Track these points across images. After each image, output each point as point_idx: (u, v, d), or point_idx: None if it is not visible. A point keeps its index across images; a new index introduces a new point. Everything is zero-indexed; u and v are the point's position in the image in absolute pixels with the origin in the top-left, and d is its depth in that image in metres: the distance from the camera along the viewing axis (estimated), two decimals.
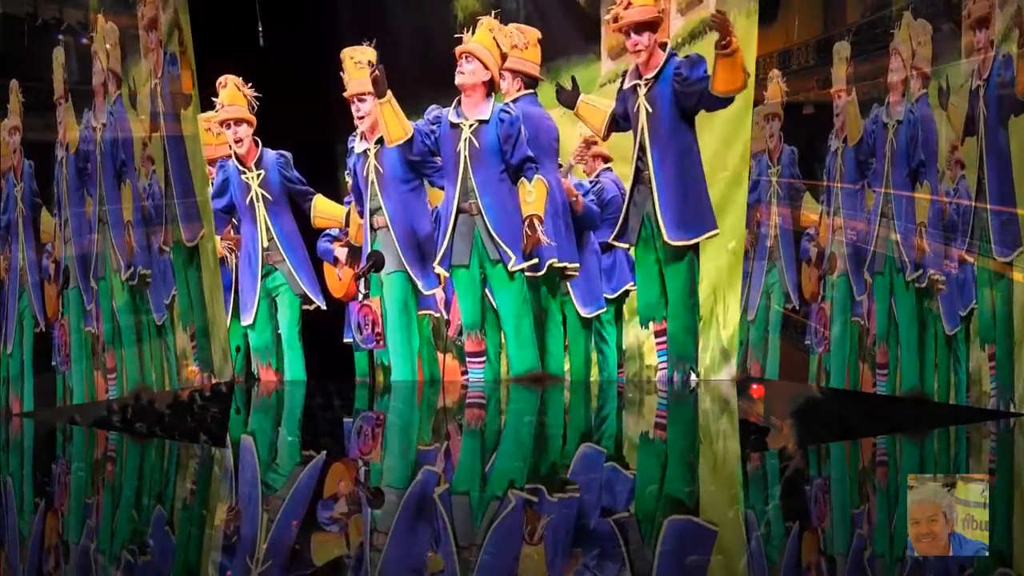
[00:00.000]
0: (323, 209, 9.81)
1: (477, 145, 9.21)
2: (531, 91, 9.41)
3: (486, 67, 9.23)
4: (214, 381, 9.48)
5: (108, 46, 8.81)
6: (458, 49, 9.24)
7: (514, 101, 9.33)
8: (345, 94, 9.46)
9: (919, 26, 7.90)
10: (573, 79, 9.44)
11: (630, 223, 9.35)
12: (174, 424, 7.64)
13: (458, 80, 9.25)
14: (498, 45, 9.24)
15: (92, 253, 8.73)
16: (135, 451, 7.34)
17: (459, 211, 9.32)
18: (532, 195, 9.22)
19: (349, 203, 9.75)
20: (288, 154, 9.75)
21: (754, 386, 9.22)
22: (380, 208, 9.50)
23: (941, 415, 7.70)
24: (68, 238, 8.53)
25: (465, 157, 9.27)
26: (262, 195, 9.72)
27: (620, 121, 9.36)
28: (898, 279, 8.10)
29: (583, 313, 9.50)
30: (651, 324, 9.47)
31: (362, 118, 9.48)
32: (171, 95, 9.33)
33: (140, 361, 9.19)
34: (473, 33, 9.25)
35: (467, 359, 9.55)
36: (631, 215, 9.34)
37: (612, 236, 9.41)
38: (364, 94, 9.42)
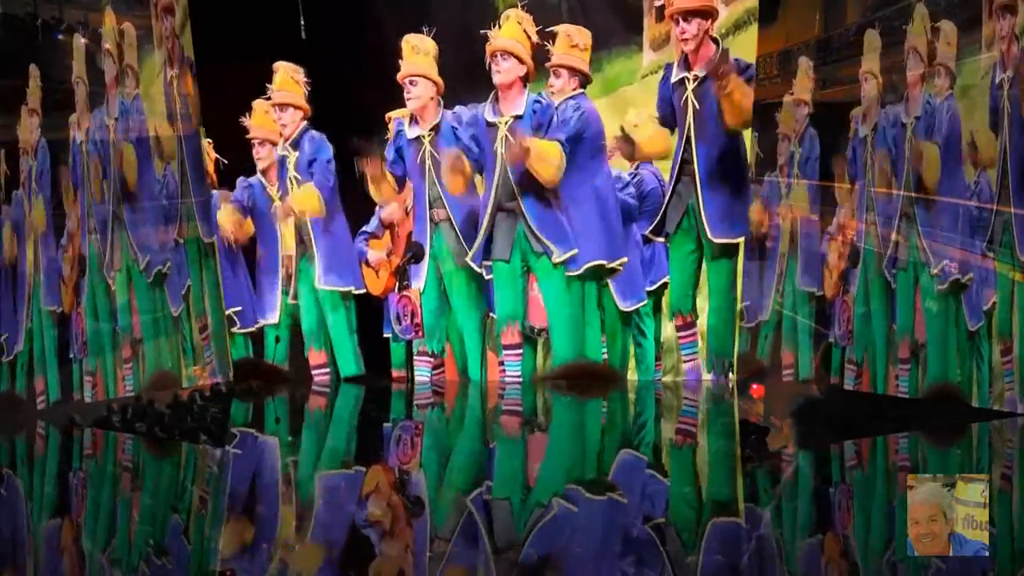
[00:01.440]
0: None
1: (513, 141, 9.24)
2: (583, 90, 9.41)
3: (521, 61, 9.29)
4: (214, 381, 9.48)
5: (121, 41, 8.90)
6: (491, 48, 9.29)
7: (570, 99, 9.33)
8: (399, 75, 9.49)
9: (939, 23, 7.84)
10: None
11: (669, 216, 9.34)
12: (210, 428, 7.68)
13: (496, 79, 9.31)
14: (527, 35, 9.29)
15: (107, 247, 8.84)
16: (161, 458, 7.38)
17: (500, 209, 9.35)
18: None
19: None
20: (317, 136, 9.75)
21: (754, 386, 9.18)
22: (440, 199, 9.53)
23: (941, 414, 7.72)
24: (89, 230, 8.64)
25: (503, 155, 9.30)
26: (296, 177, 9.75)
27: (668, 120, 9.35)
28: (923, 270, 8.00)
29: (622, 307, 9.48)
30: (677, 317, 9.46)
31: (411, 99, 9.49)
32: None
33: (158, 351, 9.28)
34: (500, 28, 9.30)
35: (504, 351, 9.55)
36: (671, 208, 9.32)
37: (649, 229, 9.38)
38: (416, 76, 9.47)
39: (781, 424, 7.92)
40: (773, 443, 7.06)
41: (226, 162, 9.76)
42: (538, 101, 9.30)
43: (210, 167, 9.76)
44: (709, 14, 9.14)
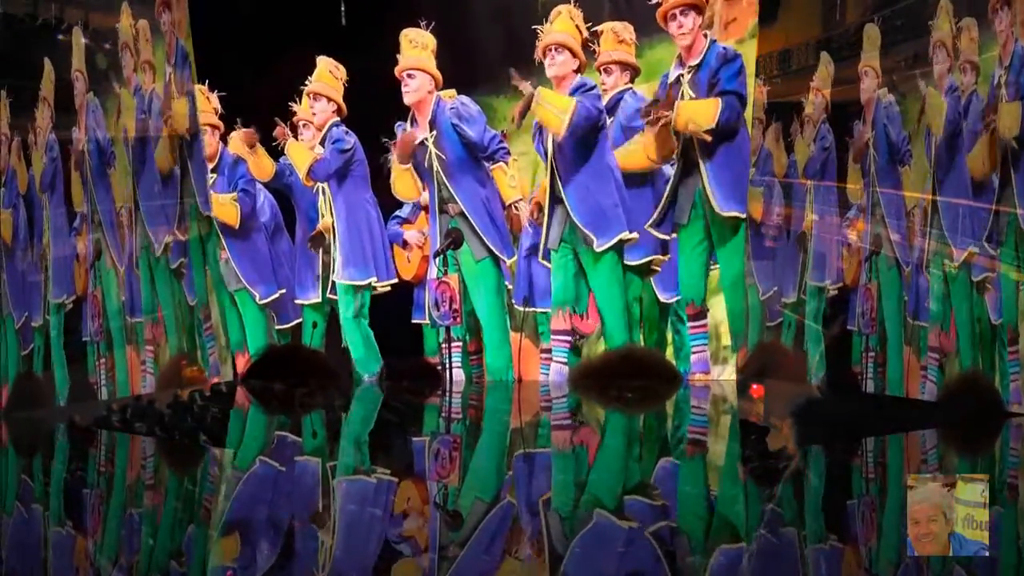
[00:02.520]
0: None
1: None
2: (631, 85, 9.48)
3: (574, 55, 9.34)
4: (214, 380, 9.58)
5: (137, 37, 9.10)
6: (544, 42, 9.35)
7: (622, 92, 9.41)
8: (396, 69, 9.58)
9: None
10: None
11: (679, 205, 9.36)
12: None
13: (550, 72, 9.37)
14: (579, 30, 9.36)
15: (121, 240, 9.01)
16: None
17: (556, 200, 9.41)
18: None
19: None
20: (342, 128, 9.84)
21: (754, 386, 9.13)
22: (452, 196, 9.60)
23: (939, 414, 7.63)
24: (97, 222, 8.81)
25: (552, 145, 9.34)
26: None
27: None
28: (942, 262, 7.91)
29: (663, 299, 9.50)
30: (689, 306, 9.45)
31: (408, 92, 9.57)
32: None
33: (177, 340, 9.48)
34: (551, 24, 9.36)
35: (552, 337, 9.58)
36: (682, 198, 9.33)
37: (649, 223, 9.41)
38: (414, 70, 9.53)
39: (781, 424, 7.88)
40: (773, 444, 6.99)
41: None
42: (583, 83, 9.33)
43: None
44: (702, 9, 9.17)
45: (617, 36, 9.40)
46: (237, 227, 9.89)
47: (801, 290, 9.07)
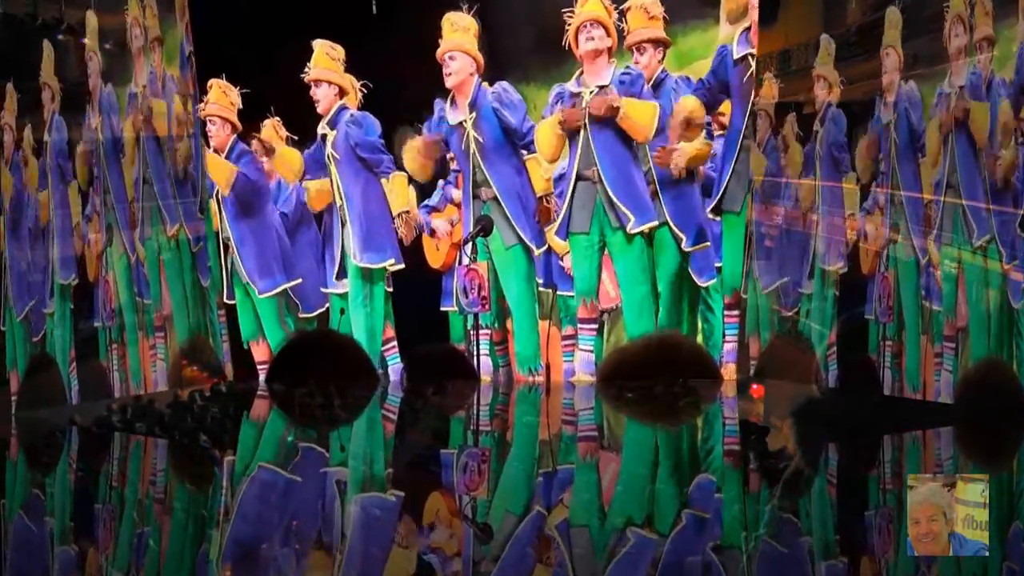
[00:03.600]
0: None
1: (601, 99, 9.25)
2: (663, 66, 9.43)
3: (608, 33, 9.29)
4: (214, 380, 9.52)
5: (144, 17, 9.10)
6: (578, 21, 9.28)
7: (664, 74, 9.36)
8: (437, 53, 9.51)
9: None
10: None
11: (732, 194, 9.30)
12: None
13: (588, 47, 9.30)
14: (608, 11, 9.30)
15: (138, 217, 9.02)
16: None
17: (579, 178, 9.31)
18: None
19: (450, 183, 9.81)
20: (360, 115, 9.73)
21: (754, 386, 9.03)
22: (486, 180, 9.53)
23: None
24: (110, 204, 8.81)
25: (586, 124, 9.26)
26: (333, 155, 9.76)
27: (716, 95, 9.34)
28: (965, 248, 7.76)
29: (699, 282, 9.44)
30: (733, 295, 9.42)
31: (450, 75, 9.50)
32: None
33: (188, 322, 9.48)
34: (581, 5, 9.31)
35: (579, 325, 9.50)
36: (736, 185, 9.29)
37: (710, 207, 9.38)
38: (455, 52, 9.47)
39: (781, 424, 7.78)
40: (773, 443, 6.88)
41: (295, 138, 9.88)
42: (627, 73, 9.28)
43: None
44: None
45: (647, 12, 9.31)
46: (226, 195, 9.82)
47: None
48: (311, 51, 9.68)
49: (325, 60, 9.70)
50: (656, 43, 9.34)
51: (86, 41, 8.70)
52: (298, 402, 8.85)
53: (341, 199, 9.77)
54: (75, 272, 8.54)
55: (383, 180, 9.69)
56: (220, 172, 9.74)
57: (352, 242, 9.75)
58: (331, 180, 9.79)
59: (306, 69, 9.69)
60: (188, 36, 9.48)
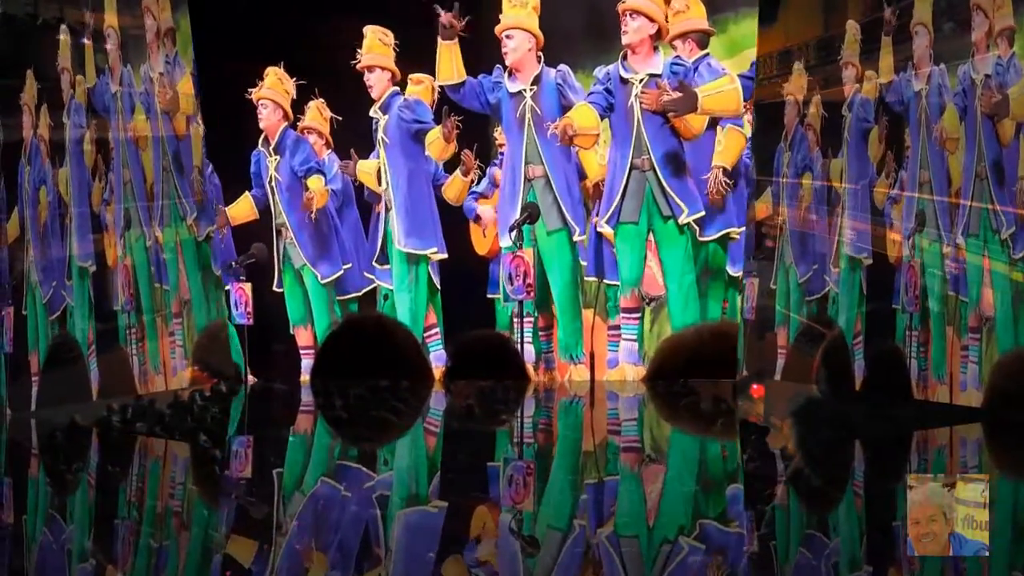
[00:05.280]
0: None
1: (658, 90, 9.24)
2: (706, 51, 9.38)
3: (652, 20, 9.26)
4: (214, 380, 9.47)
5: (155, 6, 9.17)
6: (621, 8, 9.27)
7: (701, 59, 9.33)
8: (496, 29, 9.51)
9: None
10: None
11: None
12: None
13: (625, 40, 9.28)
14: None
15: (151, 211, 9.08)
16: None
17: (632, 168, 9.31)
18: (722, 144, 9.26)
19: (495, 164, 9.87)
20: (414, 100, 9.76)
21: (754, 386, 8.98)
22: (537, 155, 9.53)
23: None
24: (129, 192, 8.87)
25: (637, 112, 9.26)
26: (383, 139, 9.81)
27: None
28: (993, 240, 7.70)
29: (732, 272, 9.45)
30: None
31: (507, 52, 9.50)
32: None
33: (206, 308, 9.56)
34: None
35: (623, 315, 9.50)
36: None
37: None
38: (513, 29, 9.48)
39: (781, 424, 7.71)
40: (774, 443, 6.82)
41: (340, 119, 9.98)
42: (679, 63, 9.27)
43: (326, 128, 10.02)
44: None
45: (672, 8, 9.32)
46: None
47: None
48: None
49: (378, 46, 9.77)
50: (684, 36, 9.34)
51: (107, 23, 8.78)
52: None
53: (387, 183, 9.82)
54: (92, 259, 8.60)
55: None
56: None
57: (397, 226, 9.78)
58: (380, 164, 9.84)
59: (358, 55, 9.76)
60: (170, 38, 9.41)
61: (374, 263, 9.93)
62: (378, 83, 9.79)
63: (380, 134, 9.80)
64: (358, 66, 9.77)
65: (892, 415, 7.60)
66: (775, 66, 9.10)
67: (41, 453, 7.21)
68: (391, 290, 9.92)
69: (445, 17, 9.42)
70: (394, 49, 9.80)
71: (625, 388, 9.30)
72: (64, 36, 8.47)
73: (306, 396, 9.39)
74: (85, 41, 8.56)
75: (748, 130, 9.35)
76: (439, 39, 9.52)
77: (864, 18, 8.44)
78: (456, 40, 9.47)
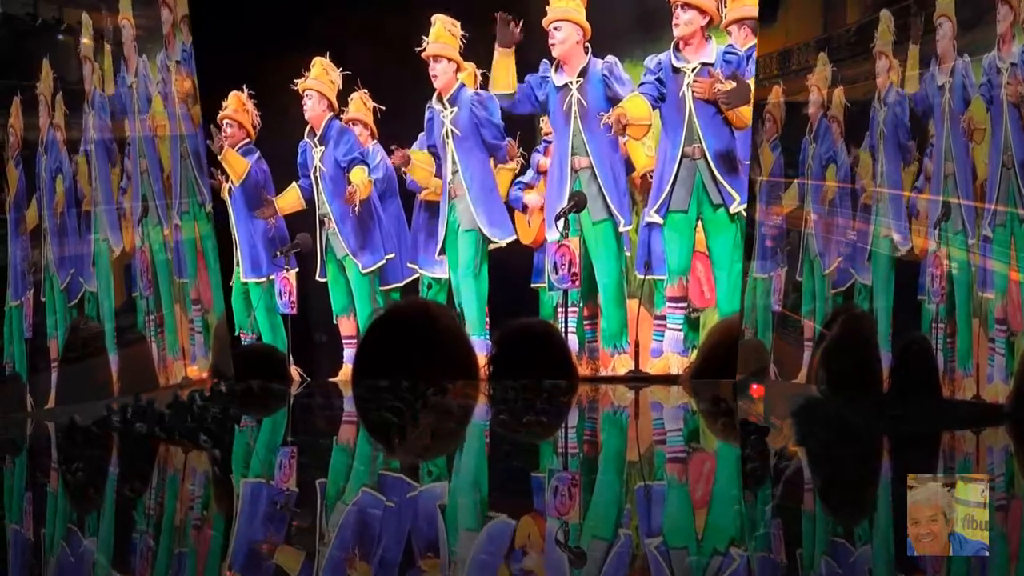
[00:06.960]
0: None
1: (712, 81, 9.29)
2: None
3: (703, 12, 9.26)
4: (214, 380, 9.37)
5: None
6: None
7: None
8: (544, 21, 9.51)
9: None
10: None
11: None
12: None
13: (676, 32, 9.30)
14: None
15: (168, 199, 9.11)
16: None
17: (683, 156, 9.32)
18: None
19: (538, 151, 9.82)
20: (486, 96, 9.76)
21: (754, 386, 8.88)
22: (583, 146, 9.54)
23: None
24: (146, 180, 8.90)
25: (689, 101, 9.27)
26: (452, 131, 9.81)
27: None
28: (1020, 230, 7.58)
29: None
30: None
31: (554, 44, 9.50)
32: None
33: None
34: None
35: (669, 304, 9.51)
36: None
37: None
38: (560, 21, 9.49)
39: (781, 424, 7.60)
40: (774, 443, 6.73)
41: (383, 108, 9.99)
42: (732, 52, 9.27)
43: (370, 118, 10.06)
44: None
45: None
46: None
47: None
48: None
49: (446, 36, 9.76)
50: (739, 23, 9.31)
51: (121, 15, 8.81)
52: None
53: (453, 174, 9.82)
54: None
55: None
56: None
57: (477, 216, 9.80)
58: (447, 155, 9.85)
59: (424, 43, 9.77)
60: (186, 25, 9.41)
61: (437, 255, 9.98)
62: (443, 74, 9.77)
63: (448, 126, 9.79)
64: (423, 54, 9.77)
65: (914, 416, 7.55)
66: (775, 66, 9.04)
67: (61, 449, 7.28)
68: (435, 280, 9.96)
69: (511, 27, 9.49)
70: (461, 41, 9.79)
71: (669, 398, 9.11)
72: (84, 25, 8.47)
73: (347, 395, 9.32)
74: (103, 29, 8.61)
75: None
76: (497, 46, 9.56)
77: (864, 18, 8.38)
78: (513, 49, 9.51)
